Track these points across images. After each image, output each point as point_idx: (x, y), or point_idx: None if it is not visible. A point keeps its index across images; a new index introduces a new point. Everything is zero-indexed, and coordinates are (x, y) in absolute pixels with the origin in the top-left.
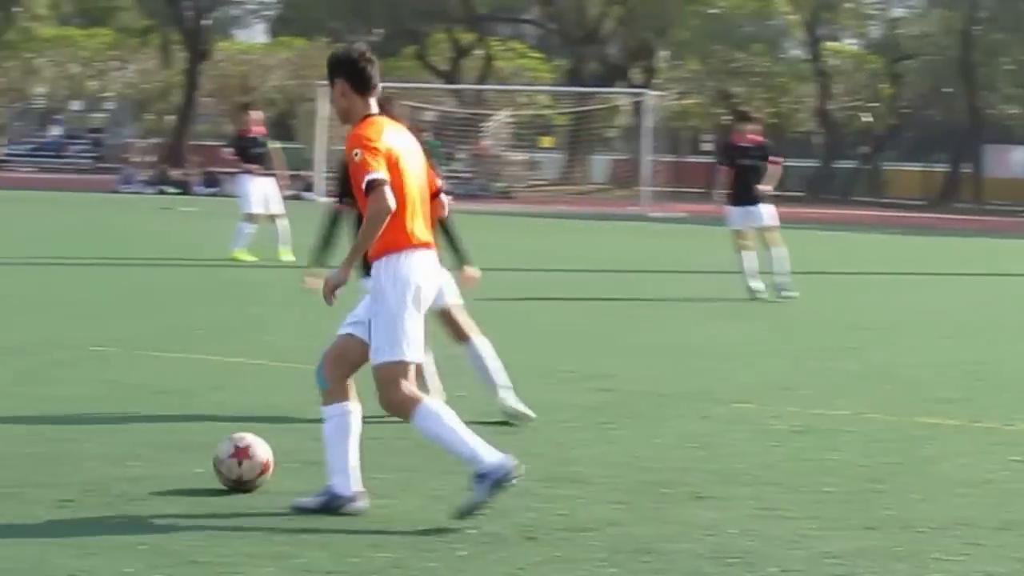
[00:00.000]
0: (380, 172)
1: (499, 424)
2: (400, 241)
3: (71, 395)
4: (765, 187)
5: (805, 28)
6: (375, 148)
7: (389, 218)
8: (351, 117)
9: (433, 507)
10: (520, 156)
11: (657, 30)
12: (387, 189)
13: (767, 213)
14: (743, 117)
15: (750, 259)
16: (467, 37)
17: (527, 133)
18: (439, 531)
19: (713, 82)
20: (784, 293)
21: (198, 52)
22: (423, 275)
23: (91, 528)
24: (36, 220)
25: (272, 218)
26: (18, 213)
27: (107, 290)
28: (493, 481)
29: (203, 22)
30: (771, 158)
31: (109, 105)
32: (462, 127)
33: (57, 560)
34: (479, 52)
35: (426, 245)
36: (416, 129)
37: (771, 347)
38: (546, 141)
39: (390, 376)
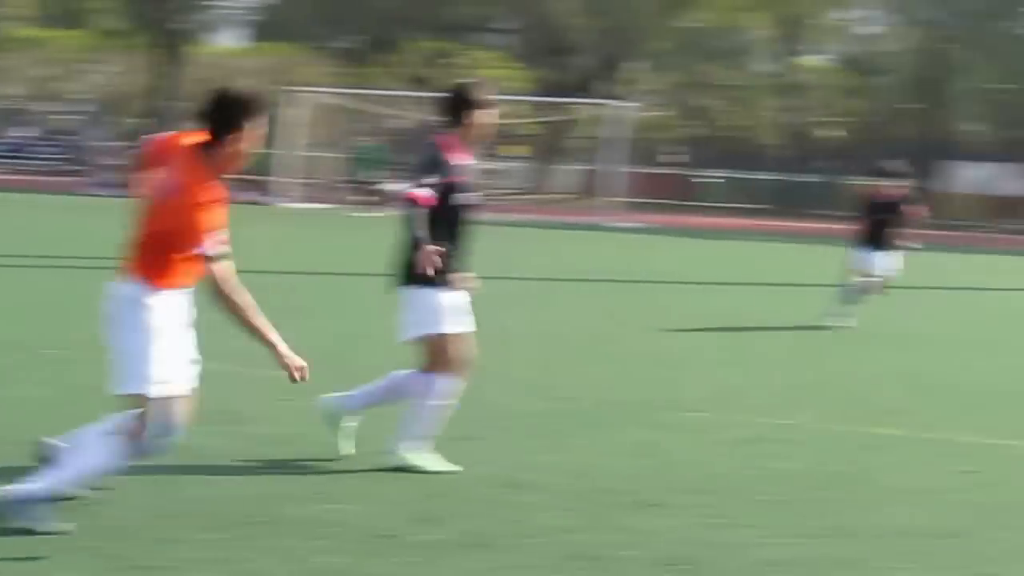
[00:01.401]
0: None
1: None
2: None
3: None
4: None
5: (775, 43)
6: None
7: None
8: None
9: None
10: (487, 165)
11: (628, 43)
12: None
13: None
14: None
15: None
16: (439, 46)
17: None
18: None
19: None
20: None
21: (176, 55)
22: None
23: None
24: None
25: None
26: None
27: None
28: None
29: (181, 26)
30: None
31: (82, 107)
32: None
33: None
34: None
35: None
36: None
37: (724, 356)
38: (514, 149)
39: None
